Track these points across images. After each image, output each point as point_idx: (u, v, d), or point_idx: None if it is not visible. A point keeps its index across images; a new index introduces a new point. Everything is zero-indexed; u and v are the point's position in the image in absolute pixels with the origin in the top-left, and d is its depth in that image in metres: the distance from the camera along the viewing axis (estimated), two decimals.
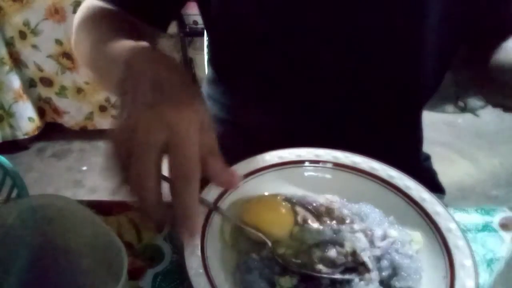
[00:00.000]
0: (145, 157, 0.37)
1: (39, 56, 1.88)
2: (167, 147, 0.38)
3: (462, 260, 0.43)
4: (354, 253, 0.44)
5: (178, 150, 0.38)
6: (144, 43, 0.51)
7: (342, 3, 0.58)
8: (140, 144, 0.38)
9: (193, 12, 1.87)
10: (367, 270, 0.44)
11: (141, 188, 0.38)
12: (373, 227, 0.47)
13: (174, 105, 0.39)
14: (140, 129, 0.38)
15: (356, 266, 0.44)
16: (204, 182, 0.51)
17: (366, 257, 0.44)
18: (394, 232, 0.47)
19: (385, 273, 0.44)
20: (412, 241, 0.47)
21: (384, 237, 0.46)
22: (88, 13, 0.62)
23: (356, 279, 0.43)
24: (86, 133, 2.10)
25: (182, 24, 1.88)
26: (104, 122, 2.08)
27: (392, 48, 0.60)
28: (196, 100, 0.42)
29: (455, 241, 0.45)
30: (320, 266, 0.44)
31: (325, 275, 0.43)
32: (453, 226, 0.46)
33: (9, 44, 1.84)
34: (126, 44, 0.51)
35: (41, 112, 2.06)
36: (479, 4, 0.59)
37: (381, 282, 0.43)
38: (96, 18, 0.61)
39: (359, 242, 0.45)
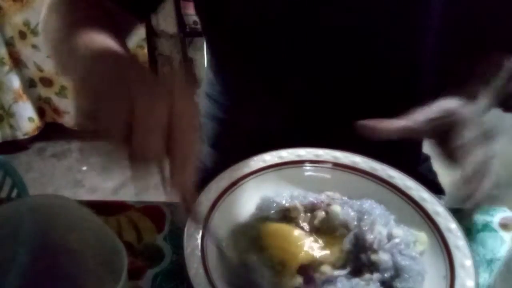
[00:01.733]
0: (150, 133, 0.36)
1: (39, 56, 1.88)
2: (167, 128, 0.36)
3: (462, 260, 0.43)
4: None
5: (182, 133, 0.37)
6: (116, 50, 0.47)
7: (343, 4, 0.58)
8: (143, 121, 0.36)
9: (193, 12, 1.87)
10: (370, 270, 0.44)
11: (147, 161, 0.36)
12: (379, 227, 0.46)
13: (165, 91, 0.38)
14: (140, 107, 0.36)
15: (359, 266, 0.44)
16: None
17: (385, 255, 0.44)
18: (399, 232, 0.46)
19: (387, 274, 0.44)
20: (416, 242, 0.46)
21: (390, 236, 0.46)
22: None
23: (357, 279, 0.43)
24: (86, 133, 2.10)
25: (182, 24, 1.88)
26: None
27: (393, 50, 0.60)
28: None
29: (455, 241, 0.45)
30: (326, 268, 0.44)
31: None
32: (453, 226, 0.46)
33: (9, 44, 1.84)
34: (99, 44, 0.48)
35: (41, 112, 2.06)
36: (479, 6, 0.59)
37: (383, 283, 0.43)
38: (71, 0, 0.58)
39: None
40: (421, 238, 0.47)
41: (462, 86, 0.56)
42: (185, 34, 1.92)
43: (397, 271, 0.44)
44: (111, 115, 0.37)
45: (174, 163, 0.37)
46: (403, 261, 0.44)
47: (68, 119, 2.07)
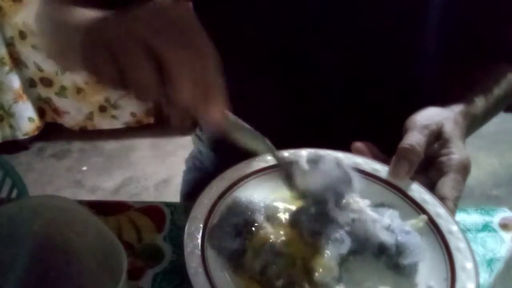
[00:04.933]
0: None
1: (39, 56, 1.88)
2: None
3: (463, 262, 0.43)
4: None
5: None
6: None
7: (342, 3, 0.58)
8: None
9: None
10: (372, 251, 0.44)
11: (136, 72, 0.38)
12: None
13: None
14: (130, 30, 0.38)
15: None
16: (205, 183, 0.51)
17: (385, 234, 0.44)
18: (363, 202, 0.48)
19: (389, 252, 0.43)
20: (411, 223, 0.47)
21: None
22: None
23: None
24: (86, 133, 2.10)
25: None
26: (104, 122, 2.08)
27: (393, 48, 0.60)
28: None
29: (456, 243, 0.44)
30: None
31: None
32: (454, 228, 0.46)
33: (9, 44, 1.84)
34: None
35: (41, 112, 2.06)
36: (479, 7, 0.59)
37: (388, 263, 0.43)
38: None
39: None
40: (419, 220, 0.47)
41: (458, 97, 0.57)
42: None
43: (398, 248, 0.43)
44: (102, 67, 0.38)
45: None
46: (401, 238, 0.44)
47: (68, 119, 2.07)
